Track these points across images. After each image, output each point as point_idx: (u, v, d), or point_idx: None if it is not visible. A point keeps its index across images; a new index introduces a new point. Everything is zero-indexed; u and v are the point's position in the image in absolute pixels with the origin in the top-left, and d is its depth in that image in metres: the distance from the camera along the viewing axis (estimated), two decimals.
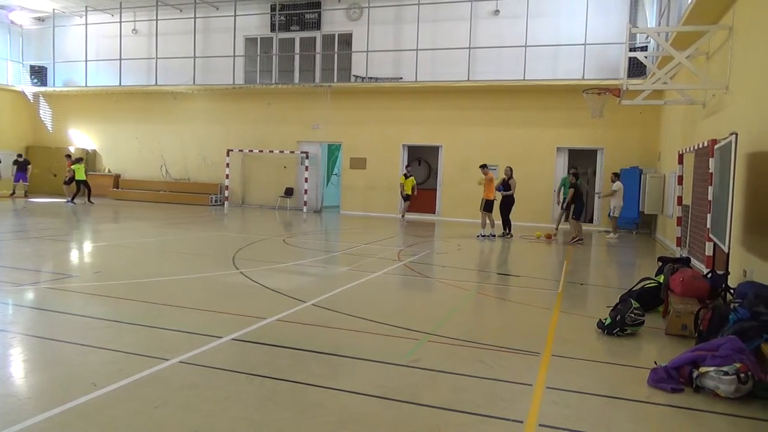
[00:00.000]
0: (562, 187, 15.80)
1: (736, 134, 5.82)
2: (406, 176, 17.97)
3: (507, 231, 14.07)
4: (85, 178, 20.00)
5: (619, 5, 17.05)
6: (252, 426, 3.26)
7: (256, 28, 21.04)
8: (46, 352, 4.50)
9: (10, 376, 3.93)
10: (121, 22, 21.83)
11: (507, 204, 14.22)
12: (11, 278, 7.15)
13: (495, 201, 13.98)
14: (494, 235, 13.80)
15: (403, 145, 19.54)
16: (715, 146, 7.05)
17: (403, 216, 18.02)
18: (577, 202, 13.90)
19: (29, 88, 23.65)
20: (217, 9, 21.32)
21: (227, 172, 21.14)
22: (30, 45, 24.11)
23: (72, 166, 19.90)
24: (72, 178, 19.86)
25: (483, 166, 14.01)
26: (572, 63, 17.05)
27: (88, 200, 19.94)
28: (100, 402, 3.48)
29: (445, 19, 18.62)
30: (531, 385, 4.08)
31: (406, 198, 17.89)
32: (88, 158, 23.55)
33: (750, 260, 6.63)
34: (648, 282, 6.60)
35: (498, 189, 14.12)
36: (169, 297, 6.41)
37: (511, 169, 14.35)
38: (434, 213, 19.28)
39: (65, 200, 19.85)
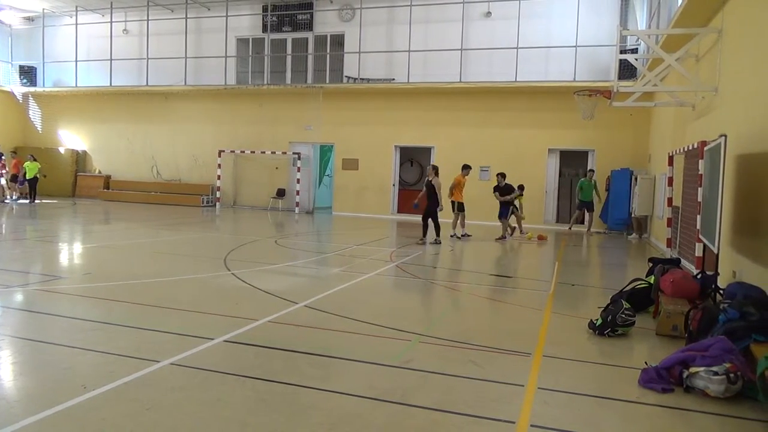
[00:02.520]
0: (580, 190, 16.21)
1: (726, 136, 5.86)
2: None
3: (423, 238, 12.74)
4: (35, 177, 19.83)
5: (609, 8, 17.17)
6: (244, 428, 3.25)
7: (247, 28, 21.00)
8: (35, 354, 4.46)
9: None
10: (111, 22, 21.71)
11: (431, 208, 12.63)
12: (0, 280, 7.08)
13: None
14: (465, 235, 13.87)
15: (396, 146, 19.57)
16: (705, 148, 7.10)
17: (521, 230, 15.00)
18: (504, 203, 14.03)
19: (18, 89, 23.45)
20: (209, 9, 21.25)
21: (219, 173, 21.07)
22: (19, 45, 23.91)
23: (25, 165, 19.80)
24: (15, 175, 20.05)
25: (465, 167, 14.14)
26: (563, 65, 17.14)
27: (13, 198, 20.08)
28: (90, 404, 3.45)
29: (438, 20, 18.67)
30: (522, 385, 4.09)
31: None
32: (78, 158, 23.45)
33: (739, 261, 6.68)
34: (639, 283, 6.63)
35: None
36: (160, 298, 6.37)
37: (432, 167, 12.99)
38: None
39: (6, 199, 20.19)
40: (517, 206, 14.68)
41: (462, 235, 13.89)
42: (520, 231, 14.67)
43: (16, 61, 23.60)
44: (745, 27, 7.48)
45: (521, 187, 14.84)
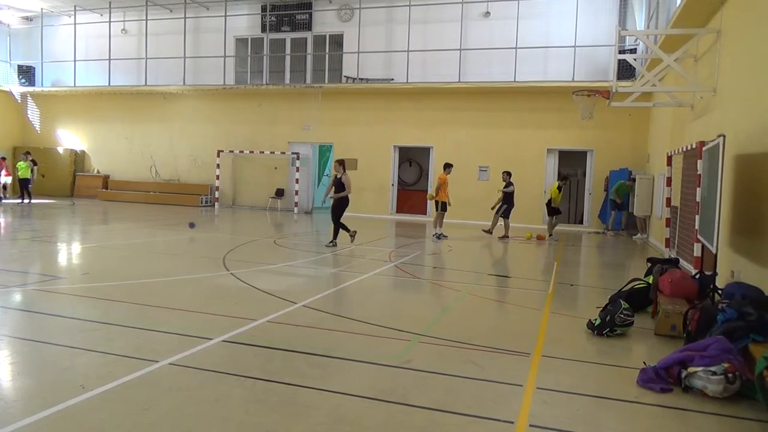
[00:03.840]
0: (616, 192, 15.80)
1: (724, 136, 5.87)
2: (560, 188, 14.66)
3: (352, 232, 11.56)
4: (27, 177, 19.42)
5: (608, 8, 17.19)
6: (242, 428, 3.25)
7: (246, 28, 20.99)
8: (33, 354, 4.45)
9: None
10: (110, 21, 21.70)
11: (338, 206, 11.39)
12: None
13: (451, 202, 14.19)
14: (442, 235, 13.79)
15: (394, 146, 19.58)
16: (703, 148, 7.11)
17: (550, 234, 14.70)
18: (508, 203, 14.09)
19: (17, 88, 23.44)
20: (208, 9, 21.25)
21: (218, 173, 21.05)
22: (18, 44, 23.89)
23: (18, 164, 19.48)
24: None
25: (447, 166, 14.10)
26: (562, 65, 17.17)
27: (23, 199, 19.58)
28: (89, 404, 3.45)
29: (436, 20, 18.69)
30: (521, 385, 4.09)
31: (556, 211, 14.69)
32: (77, 158, 23.43)
33: (737, 261, 6.69)
34: (637, 283, 6.64)
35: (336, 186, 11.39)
36: (158, 298, 6.36)
37: (337, 162, 11.52)
38: (425, 214, 19.33)
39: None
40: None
41: (440, 234, 13.85)
42: (490, 230, 14.47)
43: (15, 61, 23.59)
44: (743, 27, 7.49)
45: (565, 178, 14.89)
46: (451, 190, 14.11)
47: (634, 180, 16.01)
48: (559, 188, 14.55)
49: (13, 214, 15.87)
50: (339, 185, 11.24)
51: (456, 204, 15.23)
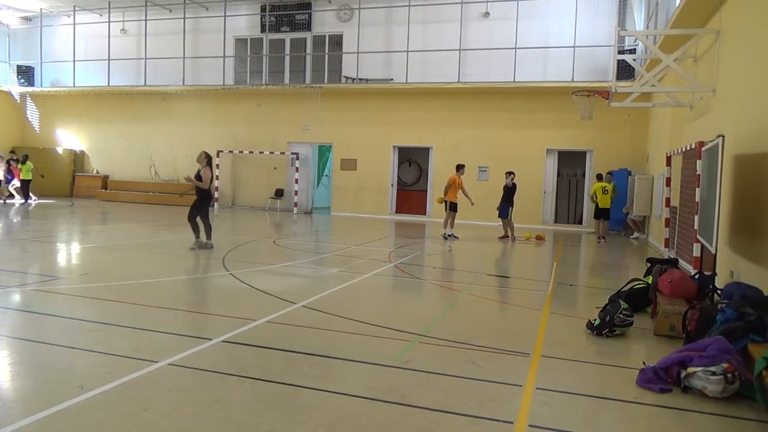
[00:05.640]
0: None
1: (723, 136, 5.88)
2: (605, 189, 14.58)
3: (197, 240, 10.37)
4: (29, 178, 19.30)
5: (607, 8, 17.20)
6: (242, 428, 3.25)
7: (246, 28, 21.00)
8: (32, 355, 4.44)
9: None
10: (109, 22, 21.70)
11: (197, 204, 10.33)
12: None
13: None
14: (452, 236, 13.78)
15: (394, 147, 19.58)
16: (703, 148, 7.11)
17: (600, 238, 14.61)
18: (506, 202, 14.10)
19: (16, 89, 23.43)
20: (207, 9, 21.25)
21: (217, 174, 21.00)
22: (17, 45, 23.89)
23: (20, 166, 19.40)
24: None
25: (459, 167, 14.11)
26: (561, 65, 17.18)
27: (26, 200, 19.46)
28: (88, 405, 3.44)
29: (436, 20, 18.70)
30: (521, 386, 4.09)
31: (604, 215, 14.62)
32: (76, 158, 23.39)
33: (737, 261, 6.69)
34: (637, 283, 6.65)
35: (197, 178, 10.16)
36: (158, 299, 6.36)
37: (203, 154, 10.35)
38: (425, 214, 19.33)
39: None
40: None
41: (449, 235, 13.83)
42: (512, 237, 14.28)
43: (14, 61, 23.59)
44: (742, 28, 7.50)
45: (599, 177, 14.77)
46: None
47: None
48: (604, 190, 14.51)
49: (14, 215, 15.86)
50: (198, 179, 10.14)
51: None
